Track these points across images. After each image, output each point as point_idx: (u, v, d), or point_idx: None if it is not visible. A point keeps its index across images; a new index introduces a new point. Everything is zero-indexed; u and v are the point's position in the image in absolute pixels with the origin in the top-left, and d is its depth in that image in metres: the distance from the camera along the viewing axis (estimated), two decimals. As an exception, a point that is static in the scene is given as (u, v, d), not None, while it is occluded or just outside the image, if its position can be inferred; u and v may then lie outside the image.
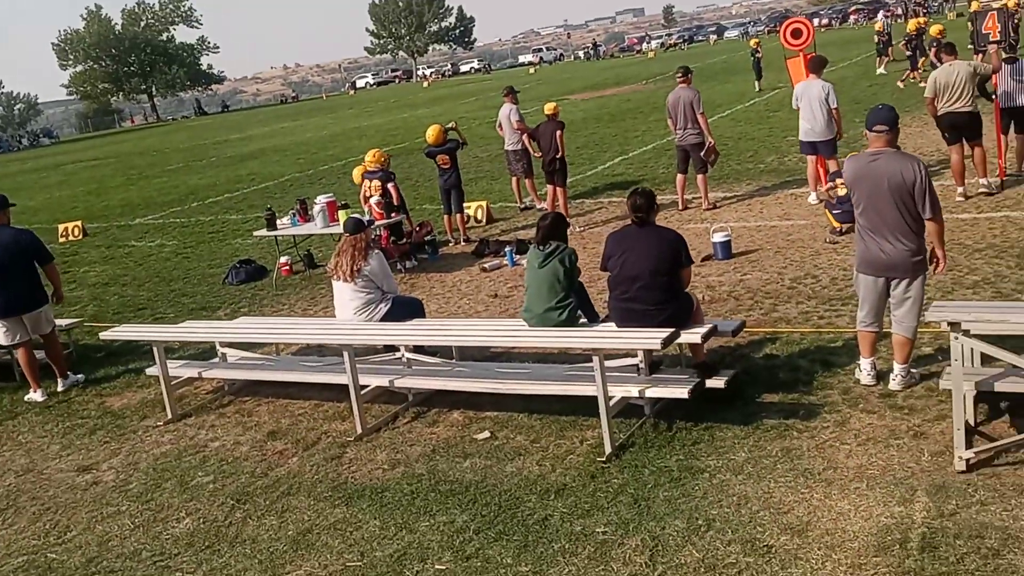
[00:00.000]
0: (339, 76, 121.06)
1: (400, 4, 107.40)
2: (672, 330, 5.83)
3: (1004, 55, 11.58)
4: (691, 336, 6.21)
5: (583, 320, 6.91)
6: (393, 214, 11.84)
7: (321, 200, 11.97)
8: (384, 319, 7.72)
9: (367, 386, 7.02)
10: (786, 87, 27.21)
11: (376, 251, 8.00)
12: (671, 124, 13.05)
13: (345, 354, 6.68)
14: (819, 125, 11.80)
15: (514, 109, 14.49)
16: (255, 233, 13.39)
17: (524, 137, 13.98)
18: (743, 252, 10.43)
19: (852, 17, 68.81)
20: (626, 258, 6.35)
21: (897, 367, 6.32)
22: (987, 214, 10.53)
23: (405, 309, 7.95)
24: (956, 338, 4.99)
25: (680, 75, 13.00)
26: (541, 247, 6.75)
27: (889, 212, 5.97)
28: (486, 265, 11.51)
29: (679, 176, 13.09)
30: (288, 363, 8.23)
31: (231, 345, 8.15)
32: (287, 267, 12.58)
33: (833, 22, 72.78)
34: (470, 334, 7.32)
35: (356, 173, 13.02)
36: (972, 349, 5.36)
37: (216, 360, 8.23)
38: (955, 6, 61.63)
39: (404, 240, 12.31)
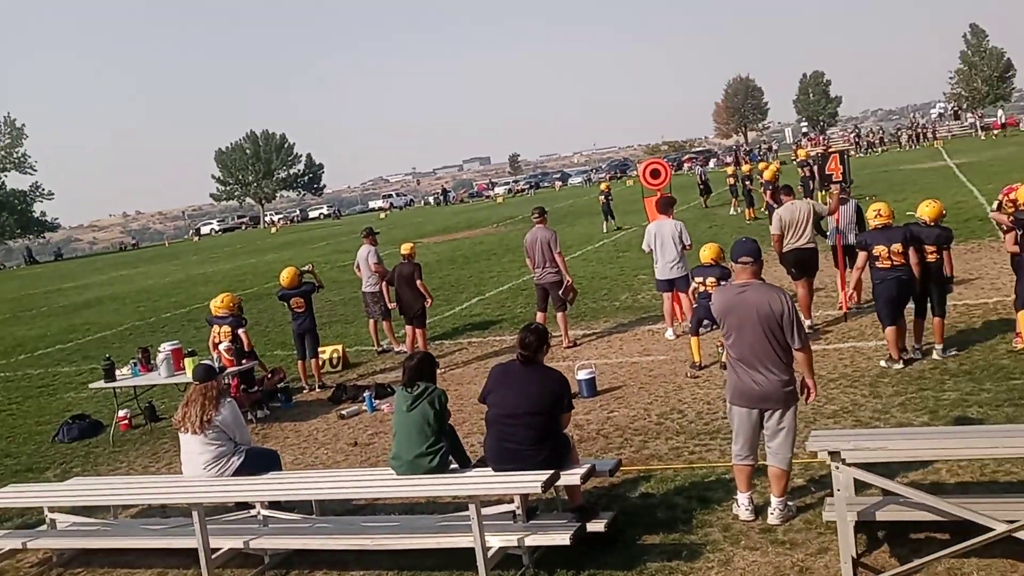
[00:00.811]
0: (182, 223, 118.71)
1: (247, 152, 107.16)
2: (552, 472, 5.57)
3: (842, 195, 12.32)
4: (570, 478, 5.96)
5: (454, 465, 6.55)
6: (244, 360, 11.25)
7: (165, 348, 11.25)
8: (237, 473, 7.14)
9: (219, 549, 6.38)
10: (634, 229, 28.43)
11: (228, 400, 7.47)
12: (529, 263, 13.14)
13: (194, 514, 6.07)
14: (674, 262, 12.10)
15: (372, 251, 14.30)
16: (91, 385, 12.46)
17: (383, 285, 13.66)
18: (608, 389, 10.38)
19: (686, 164, 73.02)
20: (507, 394, 6.11)
21: (775, 500, 6.23)
22: (835, 345, 10.91)
23: (260, 461, 7.39)
24: (837, 468, 4.93)
25: (536, 215, 13.18)
26: (409, 389, 6.42)
27: (759, 343, 5.99)
28: (344, 412, 11.01)
29: (539, 314, 13.07)
30: (127, 527, 7.45)
31: (61, 510, 7.32)
32: (126, 421, 11.69)
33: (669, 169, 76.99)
34: (332, 486, 6.82)
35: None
36: (851, 479, 5.31)
37: (44, 528, 7.36)
38: (777, 155, 66.60)
39: (255, 388, 11.69)
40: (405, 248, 13.50)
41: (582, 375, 10.26)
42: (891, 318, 9.55)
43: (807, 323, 11.66)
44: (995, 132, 64.02)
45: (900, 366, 9.51)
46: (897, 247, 9.43)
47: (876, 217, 9.84)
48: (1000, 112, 71.55)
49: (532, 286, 15.28)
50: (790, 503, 6.31)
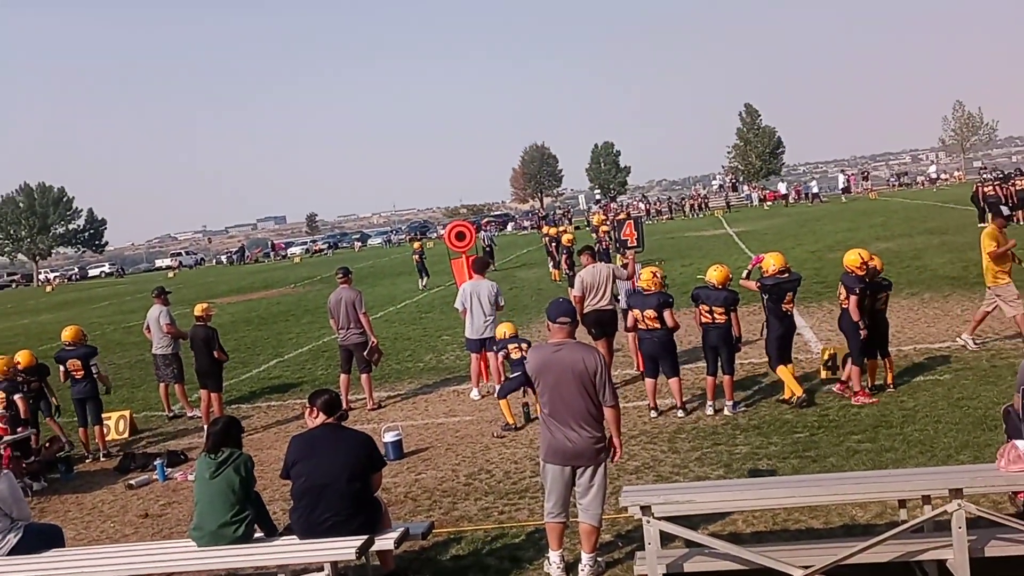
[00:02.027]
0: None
1: (21, 205, 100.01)
2: (366, 537, 5.40)
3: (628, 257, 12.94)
4: (384, 542, 5.80)
5: (259, 535, 6.24)
6: (20, 428, 10.35)
7: (-75, 416, 10.19)
8: (13, 552, 6.49)
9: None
10: (437, 289, 28.59)
11: (5, 471, 6.82)
12: (333, 324, 12.88)
13: (-38, 602, 5.44)
14: (487, 323, 12.21)
15: (164, 311, 13.59)
16: None
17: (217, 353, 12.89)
18: (414, 451, 10.25)
19: (488, 228, 74.43)
20: (316, 464, 5.88)
21: (585, 556, 6.31)
22: (634, 403, 11.29)
23: (40, 538, 6.75)
24: (648, 521, 5.06)
25: (341, 276, 12.98)
26: (212, 455, 6.08)
27: (573, 400, 6.11)
28: (132, 481, 10.30)
29: (343, 376, 12.81)
30: None
31: None
32: None
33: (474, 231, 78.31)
34: (126, 562, 6.29)
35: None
36: (659, 532, 5.47)
37: None
38: (572, 220, 69.21)
39: (32, 458, 10.74)
40: (199, 309, 12.90)
41: (388, 437, 10.10)
42: (648, 372, 10.69)
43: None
44: (767, 204, 69.40)
45: (655, 415, 10.42)
46: (650, 312, 10.35)
47: (640, 282, 10.82)
48: (781, 184, 77.76)
49: (333, 347, 15.00)
50: (599, 559, 6.41)
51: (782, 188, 74.60)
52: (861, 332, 9.97)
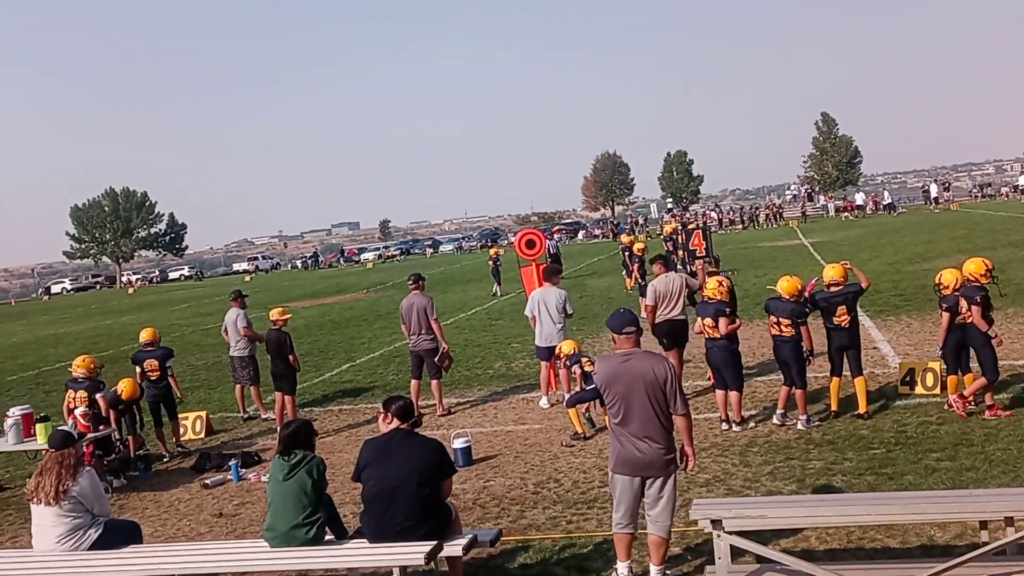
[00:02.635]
0: (31, 281, 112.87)
1: (106, 209, 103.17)
2: (434, 543, 5.44)
3: (709, 268, 12.77)
4: (452, 549, 5.83)
5: (329, 537, 6.32)
6: (101, 427, 10.66)
7: (15, 412, 10.57)
8: (94, 547, 6.70)
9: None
10: (508, 296, 28.67)
11: (87, 469, 7.04)
12: (405, 329, 12.98)
13: (46, 593, 5.62)
14: (556, 331, 12.20)
15: (241, 314, 13.89)
16: (-72, 452, 11.50)
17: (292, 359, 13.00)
18: (483, 458, 10.29)
19: (556, 235, 74.45)
20: (386, 468, 5.94)
21: (654, 569, 6.25)
22: (705, 414, 11.16)
23: (119, 534, 6.96)
24: (719, 536, 5.00)
25: (413, 282, 13.11)
26: (285, 458, 6.19)
27: (644, 410, 6.07)
28: (208, 481, 10.53)
29: (413, 381, 12.92)
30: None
31: None
32: (-33, 491, 10.84)
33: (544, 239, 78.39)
34: (200, 560, 6.45)
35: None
36: (729, 546, 5.40)
37: None
38: (647, 228, 68.77)
39: (112, 455, 11.06)
40: (275, 313, 13.15)
41: (458, 444, 10.16)
42: (718, 383, 10.59)
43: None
44: (845, 213, 67.95)
45: (726, 427, 10.30)
46: (708, 321, 10.34)
47: (706, 291, 10.73)
48: (859, 195, 76.24)
49: (404, 353, 15.13)
50: (668, 572, 6.35)
51: (859, 198, 72.97)
52: (996, 341, 9.62)
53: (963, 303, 9.75)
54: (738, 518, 5.00)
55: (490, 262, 32.36)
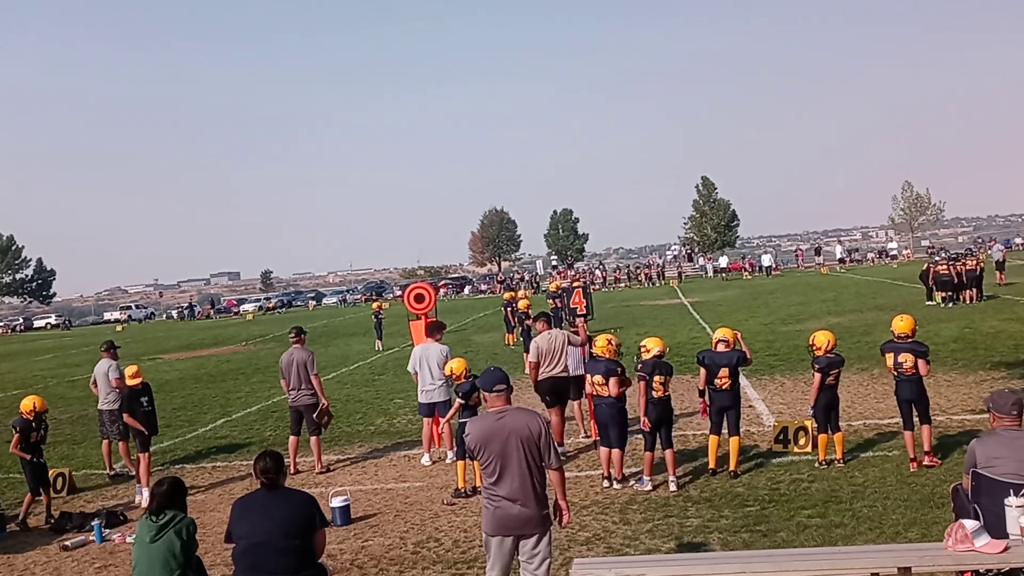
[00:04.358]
0: None
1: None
2: (310, 607, 5.23)
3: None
4: (329, 613, 5.62)
5: (197, 602, 6.02)
6: (-48, 485, 9.98)
7: None
8: (-64, 617, 6.20)
9: None
10: (393, 351, 28.39)
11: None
12: (284, 384, 12.68)
13: None
14: (437, 387, 12.11)
15: (113, 365, 13.32)
16: None
17: (126, 417, 12.37)
18: (362, 517, 10.07)
19: (443, 290, 74.46)
20: (256, 523, 5.72)
21: None
22: (587, 472, 11.23)
23: (-34, 603, 6.47)
24: (600, 597, 4.98)
25: (294, 335, 12.85)
26: (154, 517, 5.89)
27: (519, 468, 6.03)
28: (68, 543, 9.96)
29: (292, 438, 12.60)
30: None
31: None
32: None
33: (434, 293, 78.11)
34: (54, 629, 6.05)
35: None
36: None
37: None
38: (528, 284, 69.47)
39: (-37, 516, 10.36)
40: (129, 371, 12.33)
41: (336, 502, 9.91)
42: (601, 441, 10.66)
43: (560, 449, 12.00)
44: (723, 275, 70.26)
45: (607, 484, 10.38)
46: (598, 378, 10.45)
47: (595, 348, 10.85)
48: (723, 258, 79.07)
49: (283, 408, 14.77)
50: (548, 633, 6.28)
51: (723, 261, 75.79)
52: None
53: (906, 357, 10.10)
54: (618, 578, 5.00)
55: (373, 316, 32.03)
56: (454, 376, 11.27)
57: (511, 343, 27.44)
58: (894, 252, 79.43)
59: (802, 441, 11.20)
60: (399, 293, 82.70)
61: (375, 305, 34.68)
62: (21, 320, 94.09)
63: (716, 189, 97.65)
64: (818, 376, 10.32)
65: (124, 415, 11.81)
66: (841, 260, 69.49)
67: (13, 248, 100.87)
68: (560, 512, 6.32)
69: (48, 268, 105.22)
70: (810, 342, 10.77)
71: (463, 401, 10.78)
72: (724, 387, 10.35)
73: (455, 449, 12.56)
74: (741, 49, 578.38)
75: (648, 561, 6.38)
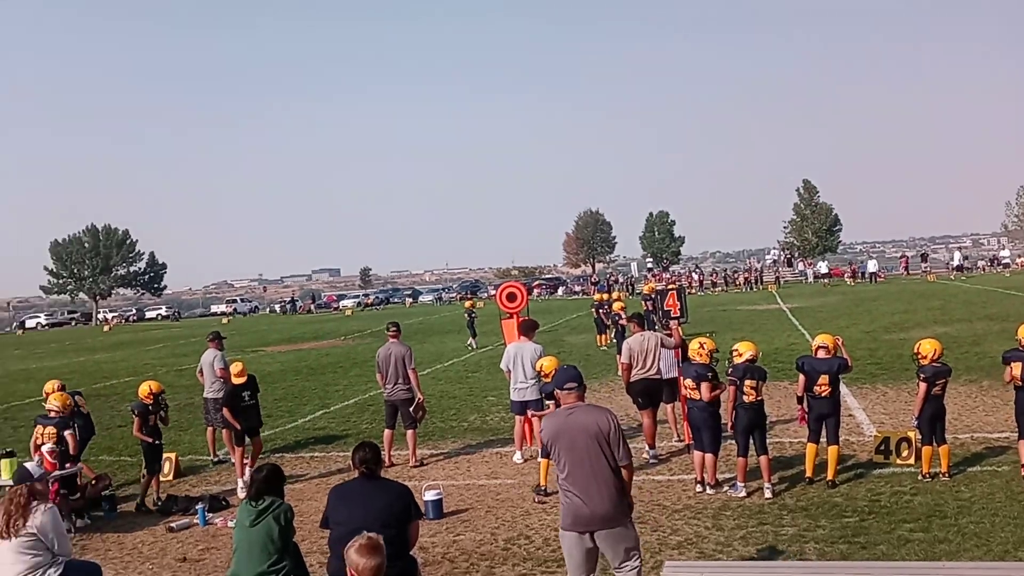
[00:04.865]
0: (5, 315, 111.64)
1: (86, 245, 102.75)
2: (402, 596, 5.33)
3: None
4: (419, 603, 5.72)
5: (295, 587, 6.20)
6: (68, 464, 10.48)
7: (-21, 447, 10.38)
8: (52, 588, 6.52)
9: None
10: (486, 349, 28.59)
11: (49, 506, 6.88)
12: (380, 378, 12.89)
13: (0, 634, 5.47)
14: (530, 386, 12.14)
15: (218, 356, 13.78)
16: None
17: (225, 411, 12.66)
18: (454, 511, 10.18)
19: (536, 290, 74.55)
20: (352, 511, 5.86)
21: None
22: (679, 476, 11.11)
23: (79, 575, 6.79)
24: (690, 600, 4.93)
25: (392, 330, 13.06)
26: (254, 503, 6.09)
27: (588, 463, 6.07)
28: (173, 524, 10.36)
29: (387, 431, 12.81)
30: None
31: None
32: (-76, 526, 10.56)
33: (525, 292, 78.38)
34: (159, 605, 6.31)
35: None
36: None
37: None
38: (622, 286, 69.05)
39: (78, 494, 10.85)
40: (236, 368, 12.53)
41: (429, 496, 10.04)
42: (695, 444, 10.47)
43: (651, 452, 11.90)
44: (824, 281, 68.46)
45: (700, 489, 10.23)
46: (690, 382, 10.36)
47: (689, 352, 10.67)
48: (822, 264, 77.00)
49: (379, 402, 15.01)
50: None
51: (823, 267, 73.72)
52: None
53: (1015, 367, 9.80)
54: (709, 582, 4.93)
55: (466, 315, 32.19)
56: (543, 374, 11.28)
57: (603, 344, 27.33)
58: (1007, 260, 76.08)
59: (905, 453, 10.85)
60: (493, 292, 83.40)
61: (468, 304, 34.93)
62: (134, 311, 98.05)
63: (818, 192, 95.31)
64: (923, 386, 9.99)
65: (224, 408, 12.13)
66: (960, 268, 66.41)
67: (128, 242, 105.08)
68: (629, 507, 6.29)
69: (160, 262, 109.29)
70: (915, 351, 10.43)
71: (552, 401, 10.79)
72: (823, 394, 10.11)
73: (543, 447, 12.63)
74: (844, 48, 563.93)
75: (742, 567, 6.29)
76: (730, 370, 10.19)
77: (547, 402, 10.90)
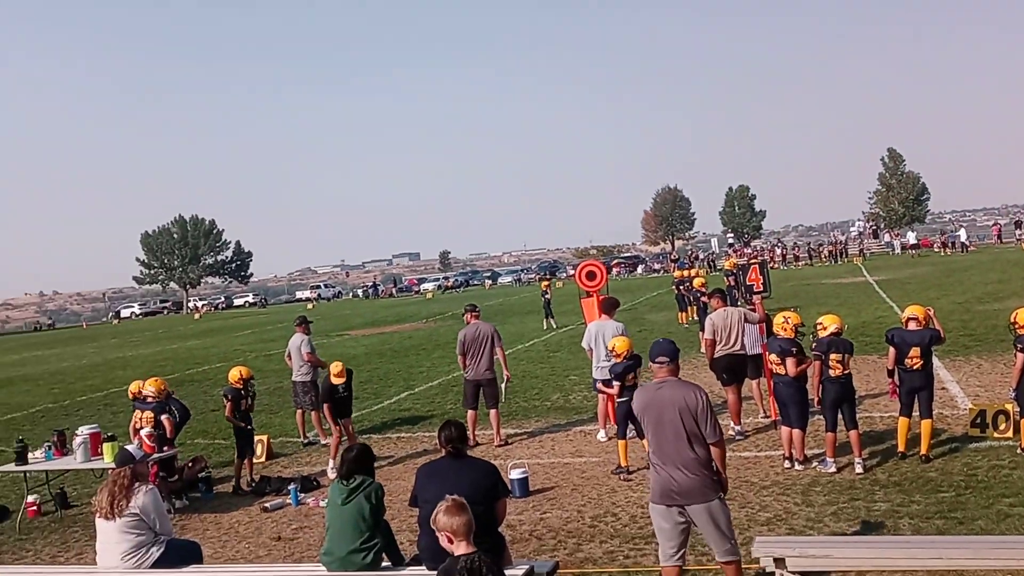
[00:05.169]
0: (102, 305, 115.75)
1: (175, 236, 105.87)
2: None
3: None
4: (510, 578, 5.78)
5: (386, 564, 6.33)
6: (166, 447, 10.85)
7: (84, 432, 10.83)
8: (156, 565, 6.79)
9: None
10: (566, 329, 28.61)
11: (149, 488, 7.14)
12: (461, 360, 12.96)
13: (111, 609, 5.70)
14: (612, 363, 12.08)
15: (306, 340, 14.08)
16: (0, 468, 11.79)
17: (326, 408, 12.63)
18: (540, 489, 10.24)
19: (616, 269, 74.16)
20: (440, 489, 5.94)
21: None
22: (766, 452, 10.97)
23: (180, 553, 7.06)
24: (781, 574, 4.88)
25: (472, 311, 13.18)
26: (345, 482, 6.22)
27: (675, 437, 6.07)
28: (267, 505, 10.65)
29: (470, 412, 12.93)
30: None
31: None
32: (35, 508, 11.09)
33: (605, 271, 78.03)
34: (258, 582, 6.51)
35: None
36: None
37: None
38: (703, 263, 68.23)
39: (175, 476, 11.24)
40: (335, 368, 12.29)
41: (515, 474, 10.12)
42: (783, 419, 10.26)
43: (736, 428, 11.77)
44: (912, 252, 66.54)
45: (788, 465, 10.05)
46: (774, 357, 10.13)
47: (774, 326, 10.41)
48: (910, 234, 74.78)
49: (463, 383, 15.12)
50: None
51: (911, 237, 71.42)
52: None
53: None
54: (802, 557, 4.88)
55: (542, 296, 32.17)
56: (615, 354, 11.06)
57: (685, 322, 27.10)
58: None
59: (1002, 426, 10.51)
60: (572, 272, 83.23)
61: (544, 284, 34.96)
62: (223, 299, 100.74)
63: (904, 161, 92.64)
64: (1021, 356, 9.65)
65: (324, 406, 12.20)
66: None
67: (215, 232, 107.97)
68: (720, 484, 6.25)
69: (246, 250, 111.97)
70: (1012, 320, 10.06)
71: (619, 382, 10.71)
72: (915, 367, 9.85)
73: (619, 427, 12.57)
74: (930, 6, 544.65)
75: (834, 542, 6.18)
76: (815, 344, 10.00)
77: (614, 382, 10.80)
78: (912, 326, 9.99)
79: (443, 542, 4.54)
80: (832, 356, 9.78)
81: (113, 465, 10.42)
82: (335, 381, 11.81)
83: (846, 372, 9.82)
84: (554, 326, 29.98)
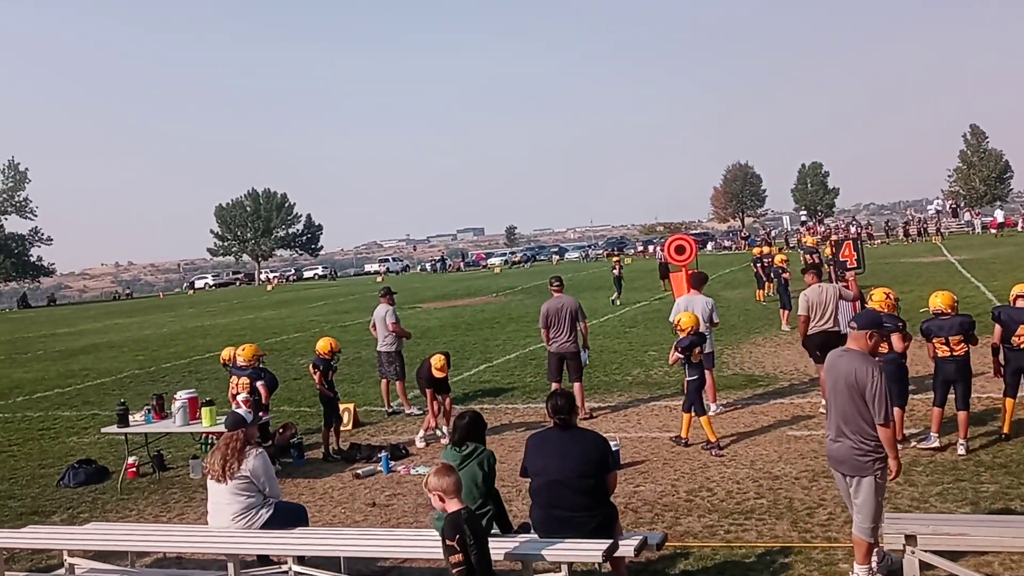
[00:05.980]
0: (175, 276, 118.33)
1: (248, 209, 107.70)
2: (611, 542, 5.39)
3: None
4: (625, 548, 5.77)
5: (495, 531, 6.36)
6: (261, 413, 11.05)
7: (182, 396, 11.09)
8: (265, 526, 6.93)
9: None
10: (638, 304, 28.45)
11: (260, 451, 7.29)
12: (545, 333, 12.92)
13: (230, 566, 5.88)
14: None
15: (390, 311, 14.20)
16: (104, 429, 12.13)
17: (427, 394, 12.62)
18: (630, 463, 10.20)
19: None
20: (551, 461, 5.96)
21: (857, 568, 6.04)
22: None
23: (288, 516, 7.20)
24: (912, 552, 4.78)
25: (556, 284, 13.16)
26: (458, 448, 6.27)
27: (841, 407, 6.11)
28: (359, 471, 10.79)
29: (554, 384, 12.90)
30: (147, 577, 7.19)
31: (82, 554, 7.07)
32: (134, 469, 11.41)
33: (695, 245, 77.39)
34: (366, 544, 6.60)
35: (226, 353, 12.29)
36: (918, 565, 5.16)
37: (61, 572, 7.10)
38: (776, 241, 67.15)
39: (269, 442, 11.45)
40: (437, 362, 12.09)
41: (606, 447, 10.08)
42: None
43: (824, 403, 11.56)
44: (992, 231, 64.63)
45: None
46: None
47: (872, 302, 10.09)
48: (999, 212, 72.51)
49: (540, 356, 15.13)
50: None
51: (999, 216, 69.21)
52: None
53: None
54: (936, 535, 4.76)
55: (612, 271, 32.23)
56: (679, 328, 10.87)
57: (762, 299, 26.74)
58: None
59: (1112, 408, 10.16)
60: (640, 249, 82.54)
61: (614, 260, 34.81)
62: (293, 271, 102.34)
63: (987, 138, 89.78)
64: None
65: (426, 392, 12.24)
66: None
67: (286, 205, 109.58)
68: (889, 468, 6.16)
69: (316, 223, 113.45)
70: None
71: (680, 356, 10.57)
72: (1022, 346, 9.55)
73: (716, 401, 12.45)
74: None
75: (970, 520, 6.04)
76: (924, 324, 9.76)
77: (677, 354, 10.66)
78: (1020, 303, 9.68)
79: (435, 501, 5.19)
80: (935, 337, 9.53)
81: (209, 428, 10.73)
82: (437, 375, 11.84)
83: (955, 353, 9.51)
84: (617, 303, 29.81)
